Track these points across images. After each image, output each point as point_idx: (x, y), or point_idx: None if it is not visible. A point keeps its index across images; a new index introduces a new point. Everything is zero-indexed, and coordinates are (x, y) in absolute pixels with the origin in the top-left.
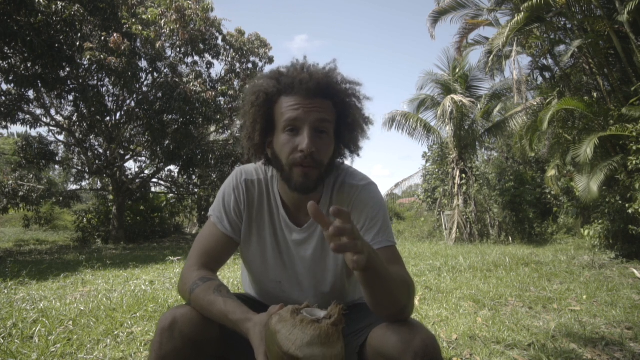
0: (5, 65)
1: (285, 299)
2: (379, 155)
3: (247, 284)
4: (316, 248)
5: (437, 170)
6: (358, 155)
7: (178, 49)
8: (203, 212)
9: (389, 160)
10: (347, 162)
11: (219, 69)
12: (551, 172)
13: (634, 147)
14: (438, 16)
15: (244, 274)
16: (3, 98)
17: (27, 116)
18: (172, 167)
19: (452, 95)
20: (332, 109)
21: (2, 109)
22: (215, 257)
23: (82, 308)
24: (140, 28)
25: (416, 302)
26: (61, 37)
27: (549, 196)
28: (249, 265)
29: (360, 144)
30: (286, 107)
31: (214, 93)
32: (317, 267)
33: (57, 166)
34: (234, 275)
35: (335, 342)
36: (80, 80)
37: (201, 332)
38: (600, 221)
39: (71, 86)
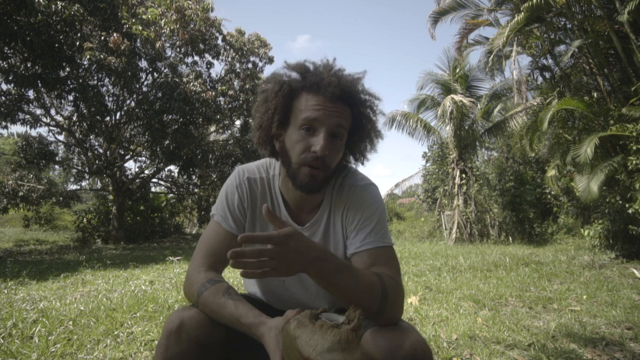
0: (5, 65)
1: (289, 297)
2: (379, 155)
3: (248, 282)
4: None
5: (437, 170)
6: (362, 163)
7: (178, 49)
8: (203, 212)
9: (389, 160)
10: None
11: (219, 69)
12: (551, 172)
13: (634, 147)
14: (438, 16)
15: None
16: (3, 98)
17: (27, 116)
18: (172, 167)
19: (452, 95)
20: (349, 116)
21: (2, 109)
22: (220, 257)
23: (82, 308)
24: (140, 28)
25: (416, 302)
26: (61, 37)
27: (549, 196)
28: None
29: (366, 155)
30: (307, 105)
31: (214, 93)
32: None
33: (57, 166)
34: (234, 275)
35: (355, 347)
36: (80, 80)
37: (208, 335)
38: (600, 221)
39: (71, 86)
